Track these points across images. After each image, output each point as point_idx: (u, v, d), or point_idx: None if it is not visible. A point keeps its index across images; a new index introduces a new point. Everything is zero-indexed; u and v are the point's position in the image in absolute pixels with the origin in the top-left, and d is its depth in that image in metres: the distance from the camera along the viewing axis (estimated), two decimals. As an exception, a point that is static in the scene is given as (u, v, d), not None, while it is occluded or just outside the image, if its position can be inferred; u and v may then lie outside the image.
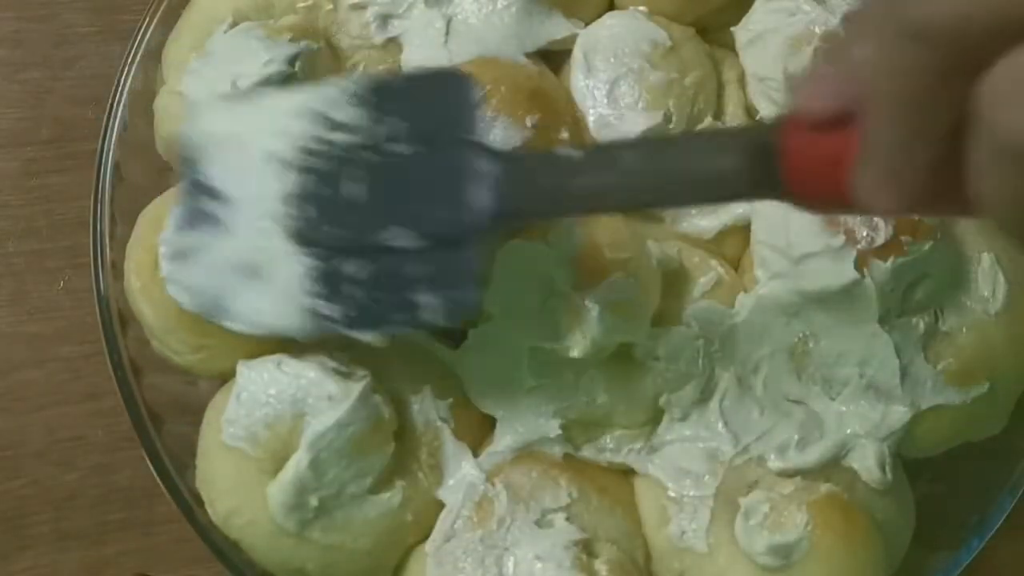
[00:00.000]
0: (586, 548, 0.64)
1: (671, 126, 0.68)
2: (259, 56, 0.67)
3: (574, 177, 0.55)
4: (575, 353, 0.63)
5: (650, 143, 0.62)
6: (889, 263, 0.64)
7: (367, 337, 0.61)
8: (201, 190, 0.63)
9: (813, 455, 0.66)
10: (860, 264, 0.64)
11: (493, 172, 0.57)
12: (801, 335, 0.67)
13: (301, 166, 0.61)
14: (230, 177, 0.62)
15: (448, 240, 0.58)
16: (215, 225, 0.62)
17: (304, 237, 0.60)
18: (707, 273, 0.69)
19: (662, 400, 0.67)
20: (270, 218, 0.61)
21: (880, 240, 0.64)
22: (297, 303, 0.61)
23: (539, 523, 0.65)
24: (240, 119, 0.63)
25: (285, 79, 0.67)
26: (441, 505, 0.67)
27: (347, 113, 0.60)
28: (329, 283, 0.60)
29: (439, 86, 0.61)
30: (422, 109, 0.60)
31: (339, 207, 0.60)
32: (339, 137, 0.60)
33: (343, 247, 0.60)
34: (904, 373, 0.66)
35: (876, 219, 0.64)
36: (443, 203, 0.57)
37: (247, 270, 0.61)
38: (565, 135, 0.68)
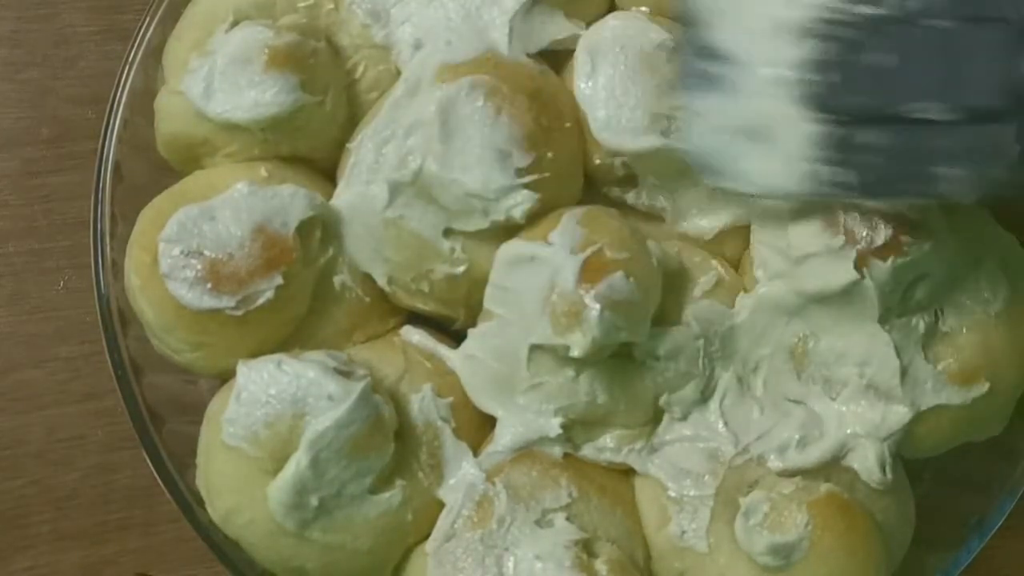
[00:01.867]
0: (586, 548, 0.64)
1: (673, 128, 0.68)
2: None
3: None
4: (576, 353, 0.63)
5: None
6: (889, 263, 0.64)
7: (879, 203, 0.61)
8: (705, 53, 0.63)
9: (813, 455, 0.66)
10: (860, 264, 0.64)
11: None
12: (801, 335, 0.68)
13: (821, 33, 0.60)
14: (739, 41, 0.62)
15: (984, 115, 0.58)
16: (720, 87, 0.62)
17: (822, 103, 0.60)
18: (707, 273, 0.69)
19: (662, 400, 0.67)
20: (782, 83, 0.61)
21: (880, 240, 0.64)
22: (803, 167, 0.61)
23: (539, 523, 0.65)
24: None
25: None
26: (441, 505, 0.67)
27: None
28: (842, 149, 0.60)
29: None
30: None
31: (863, 76, 0.60)
32: (865, 9, 0.60)
33: (863, 115, 0.60)
34: (904, 373, 0.66)
35: (876, 219, 0.64)
36: (983, 77, 0.57)
37: (752, 132, 0.62)
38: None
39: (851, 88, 0.60)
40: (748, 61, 0.62)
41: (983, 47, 0.58)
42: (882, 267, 0.64)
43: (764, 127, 0.62)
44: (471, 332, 0.69)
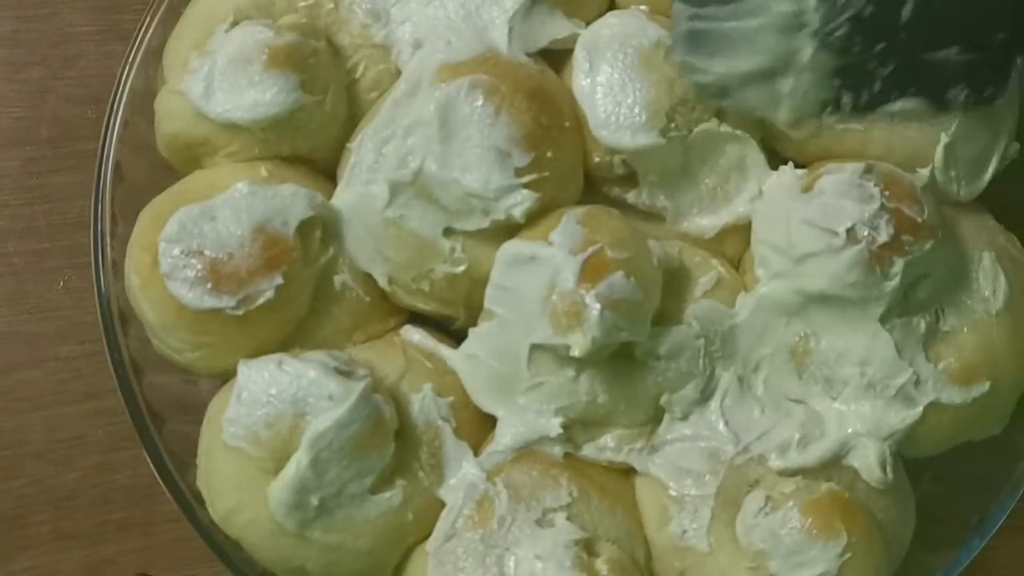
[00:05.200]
0: (587, 547, 0.64)
1: (672, 125, 0.68)
2: None
3: None
4: (576, 352, 0.63)
5: None
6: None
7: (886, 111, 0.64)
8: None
9: (814, 454, 0.66)
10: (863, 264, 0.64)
11: None
12: (802, 334, 0.68)
13: None
14: None
15: (995, 49, 0.62)
16: (728, 31, 0.65)
17: (843, 50, 0.64)
18: (708, 272, 0.69)
19: (663, 399, 0.67)
20: (796, 32, 0.64)
21: (882, 239, 0.64)
22: (818, 95, 0.65)
23: (540, 522, 0.65)
24: None
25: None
26: (442, 504, 0.67)
27: None
28: (855, 77, 0.64)
29: None
30: None
31: (885, 27, 0.63)
32: None
33: (880, 56, 0.64)
34: (905, 373, 0.66)
35: (876, 219, 0.64)
36: (999, 22, 0.63)
37: (765, 74, 0.65)
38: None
39: (875, 37, 0.63)
40: (756, 5, 0.64)
41: None
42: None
43: (775, 68, 0.65)
44: (472, 332, 0.69)
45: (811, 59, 0.65)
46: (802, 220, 0.65)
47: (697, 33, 0.65)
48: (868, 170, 0.66)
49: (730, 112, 0.68)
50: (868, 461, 0.66)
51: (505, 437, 0.67)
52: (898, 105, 0.64)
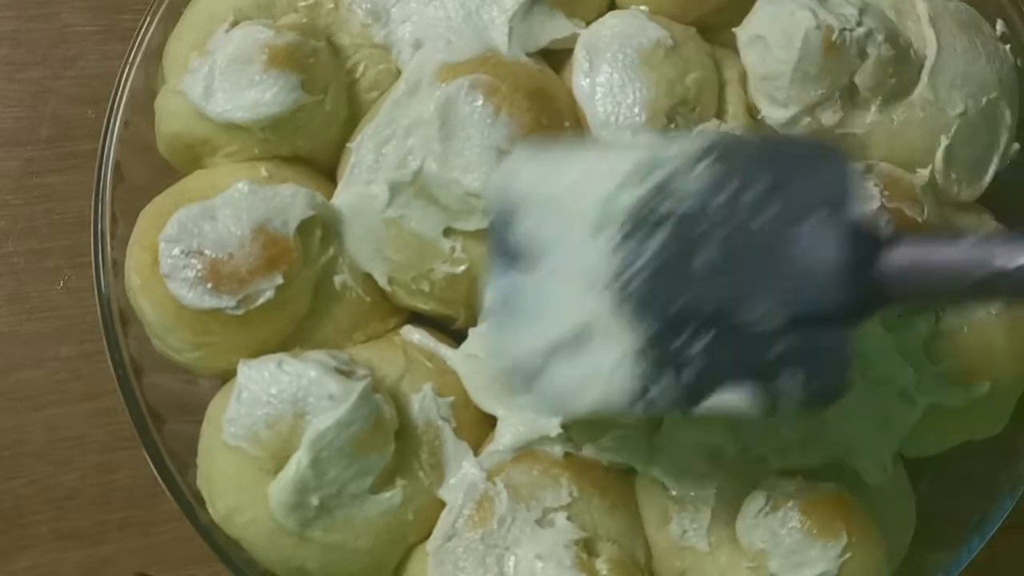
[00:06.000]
0: (587, 547, 0.64)
1: (672, 126, 0.68)
2: None
3: (977, 267, 0.52)
4: None
5: None
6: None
7: (695, 412, 0.55)
8: (513, 252, 0.57)
9: (814, 455, 0.66)
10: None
11: (874, 253, 0.53)
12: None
13: (634, 233, 0.55)
14: (547, 241, 0.56)
15: (811, 320, 0.52)
16: (527, 299, 0.57)
17: (637, 309, 0.55)
18: (708, 272, 0.69)
19: (663, 399, 0.67)
20: (596, 288, 0.55)
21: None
22: (622, 381, 0.55)
23: (540, 522, 0.65)
24: (562, 178, 0.57)
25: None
26: (442, 504, 0.67)
27: (690, 181, 0.54)
28: (659, 361, 0.54)
29: (805, 156, 0.56)
30: (783, 177, 0.54)
31: (679, 278, 0.54)
32: (678, 205, 0.54)
33: (680, 320, 0.54)
34: (905, 373, 0.66)
35: (876, 219, 0.64)
36: (810, 280, 0.52)
37: (568, 345, 0.56)
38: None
39: (666, 292, 0.54)
40: (557, 264, 0.56)
41: (809, 249, 0.52)
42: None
43: (582, 338, 0.55)
44: (472, 331, 0.69)
45: (614, 326, 0.55)
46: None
47: (508, 302, 0.57)
48: (868, 170, 0.66)
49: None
50: (868, 461, 0.66)
51: (505, 437, 0.67)
52: (717, 402, 0.54)
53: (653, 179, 0.55)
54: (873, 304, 0.54)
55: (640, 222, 0.55)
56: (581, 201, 0.56)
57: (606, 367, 0.55)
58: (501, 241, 0.58)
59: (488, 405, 0.68)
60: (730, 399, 0.54)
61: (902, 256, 0.53)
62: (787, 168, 0.54)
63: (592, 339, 0.55)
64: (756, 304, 0.53)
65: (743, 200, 0.54)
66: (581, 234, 0.56)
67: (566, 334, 0.56)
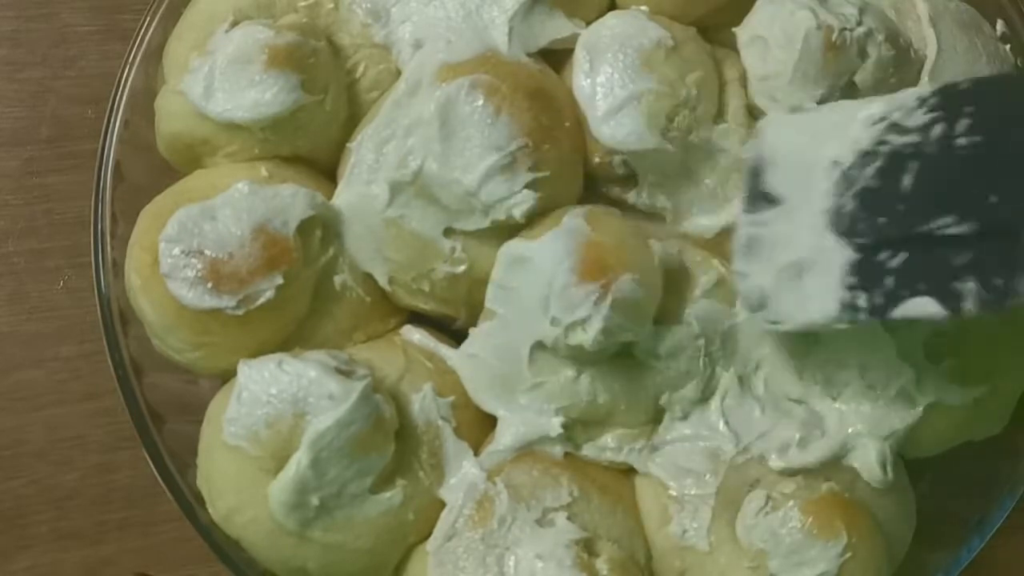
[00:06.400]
0: (587, 547, 0.64)
1: (673, 125, 0.68)
2: None
3: None
4: (586, 344, 0.63)
5: None
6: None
7: (891, 318, 0.61)
8: (763, 199, 0.65)
9: (814, 454, 0.66)
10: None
11: None
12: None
13: (857, 163, 0.63)
14: (791, 183, 0.64)
15: (1004, 229, 0.58)
16: (774, 233, 0.64)
17: (852, 230, 0.62)
18: (708, 272, 0.69)
19: (663, 399, 0.67)
20: (821, 216, 0.63)
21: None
22: (837, 296, 0.62)
23: (540, 522, 0.65)
24: (808, 130, 0.66)
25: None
26: (442, 504, 0.67)
27: (915, 118, 0.62)
28: (868, 273, 0.61)
29: (1011, 89, 0.63)
30: (990, 109, 0.61)
31: (887, 198, 0.61)
32: (900, 138, 0.62)
33: (889, 238, 0.61)
34: (905, 373, 0.66)
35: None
36: (1006, 194, 0.58)
37: (797, 269, 0.63)
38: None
39: (877, 212, 0.61)
40: (796, 202, 0.64)
41: (1006, 166, 0.59)
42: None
43: (807, 262, 0.63)
44: (472, 331, 0.69)
45: (831, 248, 0.63)
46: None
47: (753, 239, 0.65)
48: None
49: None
50: (868, 461, 0.66)
51: (505, 437, 0.67)
52: (911, 307, 0.60)
53: (879, 124, 0.62)
54: None
55: (862, 157, 0.62)
56: (819, 149, 0.64)
57: (823, 285, 0.62)
58: (753, 188, 0.65)
59: (488, 405, 0.68)
60: (922, 305, 0.60)
61: None
62: (994, 102, 0.61)
63: (816, 262, 0.63)
64: (946, 218, 0.59)
65: (955, 129, 0.60)
66: (815, 176, 0.63)
67: (795, 259, 0.63)
